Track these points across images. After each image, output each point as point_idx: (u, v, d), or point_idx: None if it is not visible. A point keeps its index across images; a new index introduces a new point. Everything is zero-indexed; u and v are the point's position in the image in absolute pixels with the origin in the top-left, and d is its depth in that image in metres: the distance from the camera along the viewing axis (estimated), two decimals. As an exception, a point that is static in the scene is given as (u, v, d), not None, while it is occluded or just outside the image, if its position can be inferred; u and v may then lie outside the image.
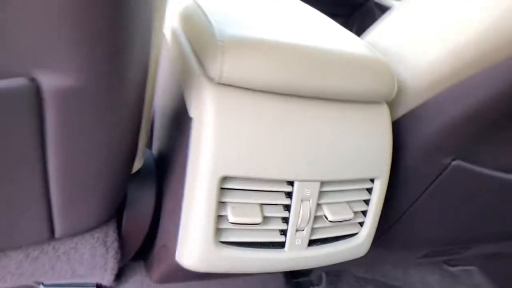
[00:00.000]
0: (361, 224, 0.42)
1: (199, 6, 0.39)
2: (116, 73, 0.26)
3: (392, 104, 0.47)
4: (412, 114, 0.45)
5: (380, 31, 0.50)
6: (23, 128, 0.26)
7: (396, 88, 0.40)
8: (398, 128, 0.47)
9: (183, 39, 0.41)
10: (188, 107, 0.35)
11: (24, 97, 0.24)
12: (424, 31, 0.42)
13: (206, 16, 0.36)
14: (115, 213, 0.43)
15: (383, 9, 1.41)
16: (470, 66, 0.38)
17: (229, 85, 0.33)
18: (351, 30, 1.53)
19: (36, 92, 0.25)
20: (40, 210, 0.34)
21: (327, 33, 0.42)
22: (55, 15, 0.20)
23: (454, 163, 0.47)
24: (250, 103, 0.33)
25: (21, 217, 0.34)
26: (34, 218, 0.35)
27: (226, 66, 0.31)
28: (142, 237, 0.47)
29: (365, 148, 0.39)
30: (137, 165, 0.43)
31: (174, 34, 0.44)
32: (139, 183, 0.44)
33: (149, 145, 0.56)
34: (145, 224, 0.45)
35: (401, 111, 0.46)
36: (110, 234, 0.43)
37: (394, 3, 1.37)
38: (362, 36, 0.53)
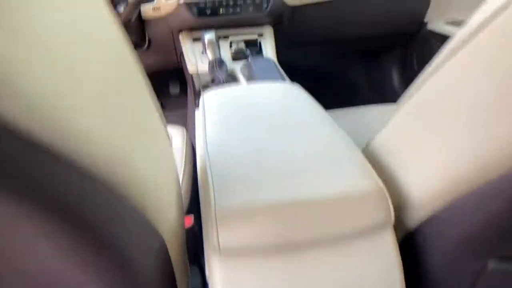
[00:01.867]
0: None
1: (208, 168, 0.47)
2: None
3: (401, 218, 0.48)
4: (427, 225, 0.46)
5: (389, 133, 0.52)
6: None
7: (392, 213, 0.42)
8: (413, 242, 0.48)
9: None
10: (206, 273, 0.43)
11: None
12: (429, 137, 0.42)
13: (211, 182, 0.44)
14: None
15: (437, 37, 1.36)
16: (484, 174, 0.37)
17: (231, 254, 0.39)
18: (411, 62, 1.52)
19: None
20: None
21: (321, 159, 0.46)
22: None
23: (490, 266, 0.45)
24: (252, 267, 0.39)
25: None
26: None
27: (221, 237, 0.38)
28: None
29: (373, 279, 0.42)
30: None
31: None
32: None
33: None
34: None
35: (413, 223, 0.47)
36: None
37: (448, 28, 1.30)
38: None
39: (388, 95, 1.73)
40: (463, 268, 0.45)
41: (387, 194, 0.42)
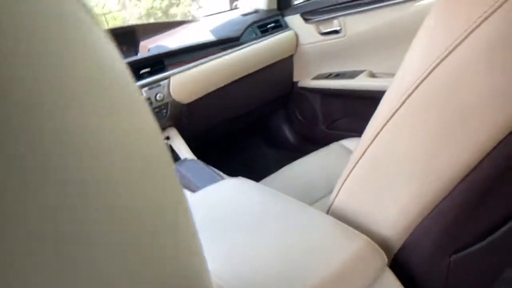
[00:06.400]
0: None
1: None
2: None
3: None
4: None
5: (350, 187, 0.62)
6: None
7: (385, 256, 0.52)
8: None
9: None
10: None
11: None
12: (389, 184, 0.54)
13: None
14: None
15: (309, 90, 1.61)
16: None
17: None
18: (295, 115, 1.75)
19: None
20: None
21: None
22: None
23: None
24: None
25: None
26: None
27: None
28: None
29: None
30: None
31: None
32: None
33: None
34: None
35: (395, 248, 0.58)
36: None
37: (314, 82, 1.57)
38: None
39: (283, 147, 1.94)
40: (438, 266, 0.57)
41: (373, 243, 0.52)
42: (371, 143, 0.55)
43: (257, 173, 1.70)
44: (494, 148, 0.45)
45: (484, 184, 0.49)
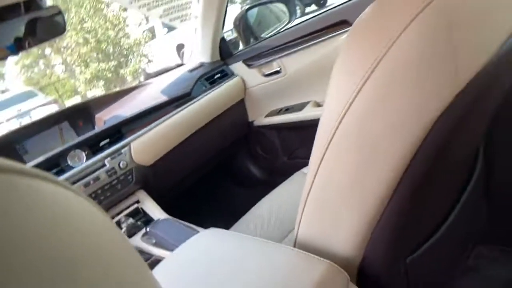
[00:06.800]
0: None
1: None
2: None
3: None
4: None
5: (307, 220, 0.69)
6: None
7: (346, 274, 0.59)
8: None
9: None
10: None
11: None
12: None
13: None
14: None
15: (265, 128, 1.71)
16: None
17: None
18: (258, 153, 1.82)
19: None
20: None
21: None
22: None
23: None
24: None
25: None
26: None
27: None
28: None
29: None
30: None
31: None
32: None
33: None
34: None
35: (356, 264, 0.65)
36: None
37: (267, 120, 1.67)
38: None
39: (252, 184, 2.01)
40: (397, 271, 0.65)
41: (335, 265, 0.59)
42: (316, 173, 0.63)
43: (232, 215, 1.76)
44: (412, 159, 0.53)
45: (412, 193, 0.58)
